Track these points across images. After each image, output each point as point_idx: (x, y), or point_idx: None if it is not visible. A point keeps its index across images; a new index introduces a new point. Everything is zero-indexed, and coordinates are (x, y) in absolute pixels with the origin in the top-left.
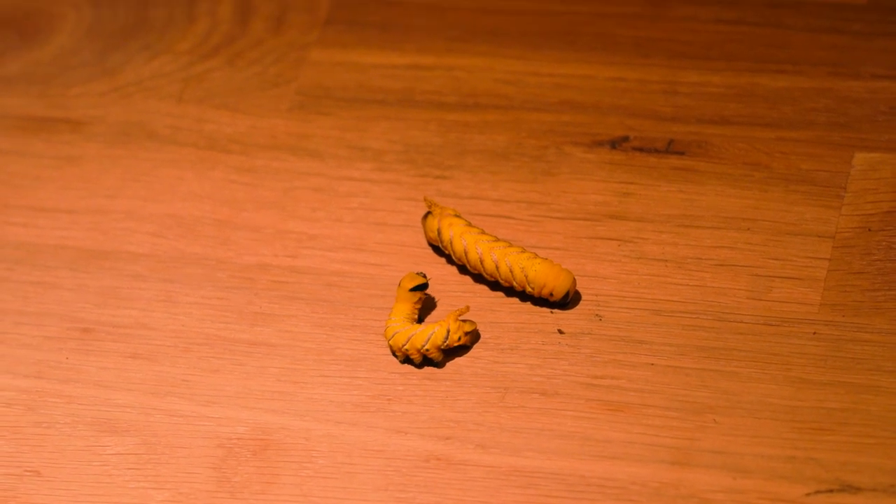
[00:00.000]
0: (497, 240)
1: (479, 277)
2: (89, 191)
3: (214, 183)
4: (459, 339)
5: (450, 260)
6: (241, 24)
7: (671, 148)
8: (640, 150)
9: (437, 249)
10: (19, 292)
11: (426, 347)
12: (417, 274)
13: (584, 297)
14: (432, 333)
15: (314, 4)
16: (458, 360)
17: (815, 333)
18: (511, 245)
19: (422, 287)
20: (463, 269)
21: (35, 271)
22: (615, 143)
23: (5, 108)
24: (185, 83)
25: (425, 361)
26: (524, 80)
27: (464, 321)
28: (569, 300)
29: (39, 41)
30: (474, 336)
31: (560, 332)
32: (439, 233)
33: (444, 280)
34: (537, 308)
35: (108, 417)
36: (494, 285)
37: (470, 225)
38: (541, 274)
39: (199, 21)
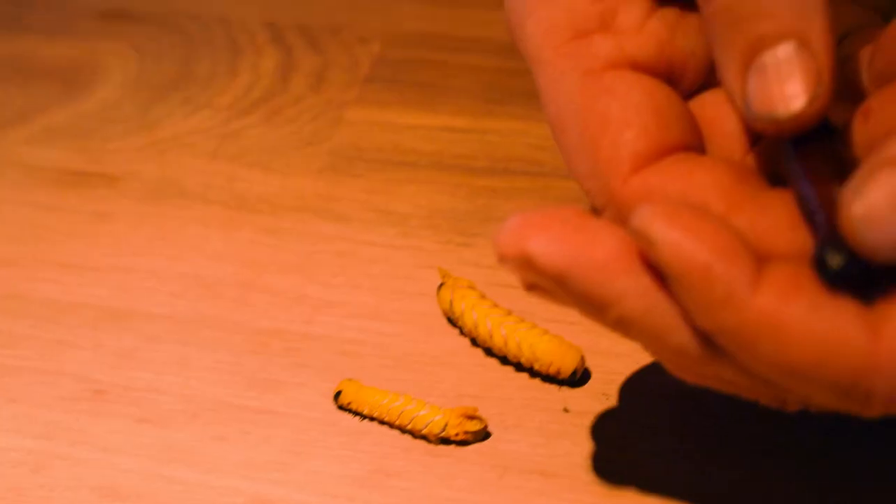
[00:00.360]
0: (508, 314)
1: (489, 351)
2: (118, 248)
3: (239, 243)
4: (457, 434)
5: (462, 332)
6: (283, 80)
7: None
8: None
9: (452, 320)
10: (40, 350)
11: (423, 432)
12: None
13: (594, 375)
14: (431, 421)
15: (356, 62)
16: None
17: None
18: (522, 321)
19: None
20: (475, 342)
21: (59, 329)
22: None
23: (47, 160)
24: (222, 139)
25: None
26: (556, 147)
27: (469, 418)
28: (577, 377)
29: (85, 93)
30: (478, 435)
31: (566, 410)
32: (451, 304)
33: (455, 352)
34: (545, 385)
35: (112, 483)
36: (505, 360)
37: (483, 297)
38: (548, 352)
39: (242, 75)
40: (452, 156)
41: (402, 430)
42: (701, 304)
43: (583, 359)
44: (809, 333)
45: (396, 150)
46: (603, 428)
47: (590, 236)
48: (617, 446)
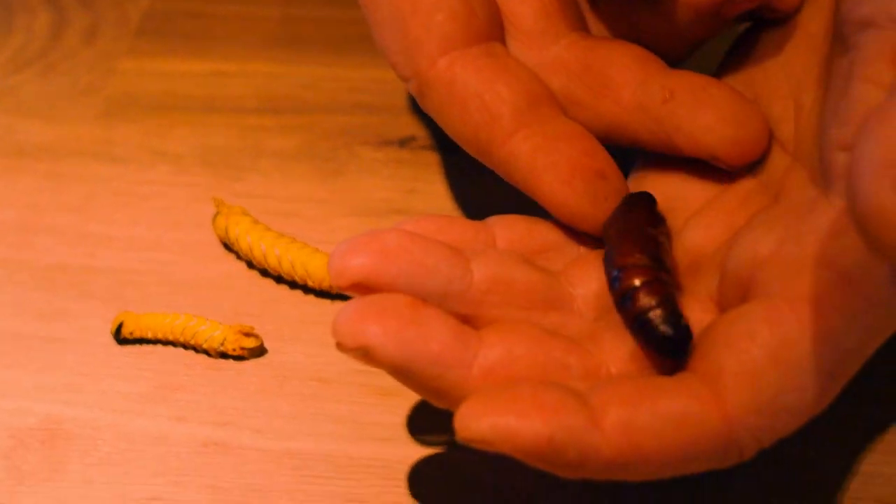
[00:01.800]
0: (281, 236)
1: (265, 272)
2: None
3: (20, 190)
4: (235, 350)
5: (239, 256)
6: (56, 37)
7: (455, 147)
8: (426, 148)
9: (228, 246)
10: None
11: (204, 346)
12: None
13: None
14: (210, 336)
15: (126, 16)
16: None
17: None
18: (294, 241)
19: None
20: (251, 265)
21: None
22: (403, 143)
23: None
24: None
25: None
26: (321, 85)
27: (246, 335)
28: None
29: None
30: (255, 352)
31: None
32: (227, 231)
33: (233, 275)
34: (319, 300)
35: None
36: (280, 279)
37: (256, 222)
38: (320, 268)
39: (16, 34)
40: (222, 98)
41: (185, 346)
42: None
43: None
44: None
45: (169, 96)
46: None
47: (424, 330)
48: None
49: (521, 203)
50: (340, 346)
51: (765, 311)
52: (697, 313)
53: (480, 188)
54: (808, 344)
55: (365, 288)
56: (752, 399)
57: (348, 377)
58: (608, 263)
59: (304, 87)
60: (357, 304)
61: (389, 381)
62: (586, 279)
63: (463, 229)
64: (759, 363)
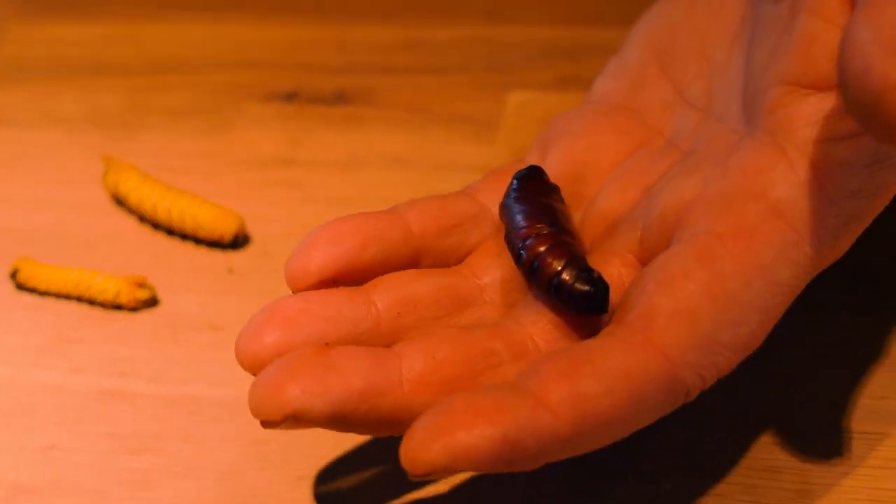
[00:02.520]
0: (170, 189)
1: (157, 226)
2: None
3: None
4: (128, 302)
5: (130, 211)
6: None
7: (340, 99)
8: (311, 101)
9: (119, 201)
10: None
11: (98, 299)
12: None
13: (254, 238)
14: (104, 288)
15: None
16: None
17: None
18: (183, 193)
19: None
20: (143, 220)
21: None
22: (289, 97)
23: None
24: None
25: None
26: (206, 44)
27: (139, 286)
28: (238, 241)
29: None
30: (148, 303)
31: (230, 271)
32: (117, 187)
33: (124, 230)
34: (210, 251)
35: None
36: (171, 231)
37: (146, 178)
38: (209, 219)
39: None
40: (110, 61)
41: (80, 299)
42: None
43: (242, 223)
44: None
45: (57, 60)
46: (265, 282)
47: (340, 371)
48: (278, 294)
49: (398, 152)
50: (267, 424)
51: (696, 249)
52: (617, 268)
53: (363, 138)
54: (742, 278)
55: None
56: (690, 335)
57: (240, 323)
58: (510, 240)
59: (189, 46)
60: (266, 375)
61: None
62: (490, 267)
63: (378, 222)
64: (695, 300)
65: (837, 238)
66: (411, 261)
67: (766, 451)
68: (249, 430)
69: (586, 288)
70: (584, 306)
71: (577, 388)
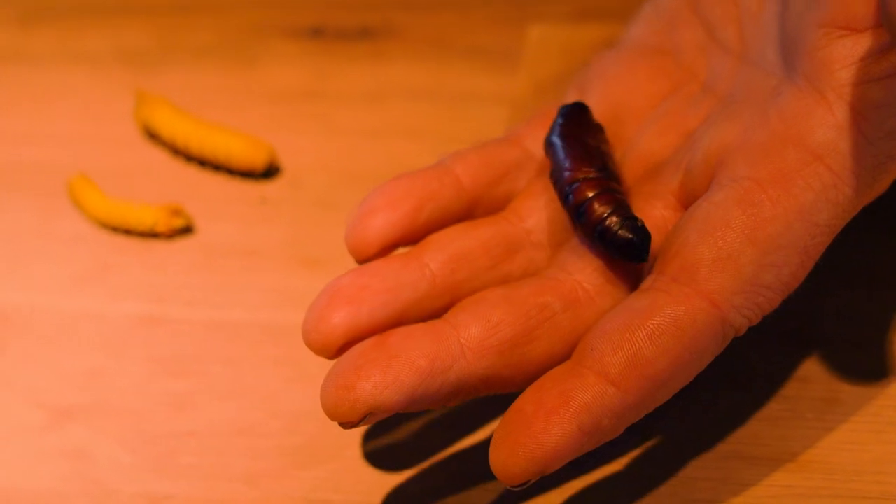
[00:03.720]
0: (202, 122)
1: (189, 158)
2: None
3: None
4: (165, 230)
5: (162, 144)
6: None
7: (364, 34)
8: (336, 37)
9: (151, 135)
10: None
11: (136, 228)
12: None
13: (285, 169)
14: (142, 217)
15: None
16: None
17: None
18: (215, 126)
19: None
20: (175, 152)
21: None
22: (314, 33)
23: None
24: None
25: None
26: None
27: (176, 214)
28: (270, 171)
29: None
30: (185, 231)
31: (263, 200)
32: (149, 120)
33: (158, 163)
34: (243, 181)
35: None
36: (203, 163)
37: (177, 111)
38: (241, 150)
39: None
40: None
41: (117, 229)
42: None
43: (273, 153)
44: None
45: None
46: (296, 211)
47: (402, 355)
48: (312, 223)
49: (422, 85)
50: (346, 424)
51: (737, 195)
52: (660, 210)
53: (387, 72)
54: (782, 221)
55: (353, 340)
56: (734, 280)
57: (275, 250)
58: (558, 181)
59: None
60: (333, 378)
61: (314, 252)
62: (535, 209)
63: (429, 181)
64: (736, 246)
65: (875, 178)
66: (465, 214)
67: (797, 363)
68: (287, 352)
69: (630, 236)
70: (628, 253)
71: (634, 356)
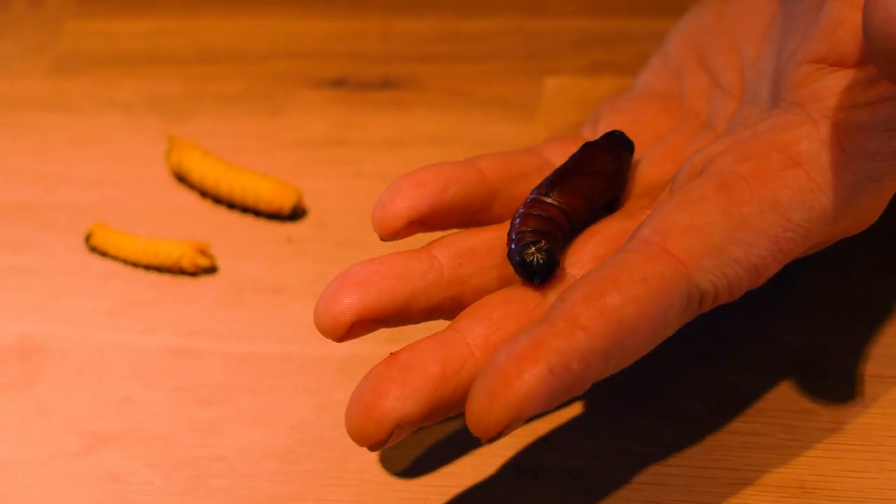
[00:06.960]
0: (231, 166)
1: (218, 200)
2: None
3: None
4: (190, 266)
5: (192, 187)
6: (2, 7)
7: (385, 85)
8: (358, 87)
9: (181, 179)
10: None
11: (165, 263)
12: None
13: (311, 211)
14: (169, 252)
15: None
16: None
17: None
18: (244, 169)
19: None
20: (204, 195)
21: None
22: (337, 84)
23: None
24: None
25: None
26: (256, 36)
27: (202, 253)
28: (296, 213)
29: None
30: (210, 269)
31: (290, 240)
32: (180, 164)
33: (187, 205)
34: (270, 222)
35: None
36: (231, 205)
37: (207, 155)
38: (269, 192)
39: None
40: (164, 52)
41: (147, 267)
42: None
43: (301, 196)
44: None
45: (114, 52)
46: (321, 250)
47: (416, 366)
48: (336, 261)
49: (441, 132)
50: (375, 445)
51: (717, 181)
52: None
53: (408, 120)
54: (757, 206)
55: (363, 322)
56: (703, 245)
57: (301, 287)
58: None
59: (240, 38)
60: (355, 403)
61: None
62: None
63: (455, 167)
64: (710, 216)
65: (854, 196)
66: (486, 203)
67: (803, 395)
68: (314, 382)
69: (519, 259)
70: (521, 272)
71: (603, 303)
